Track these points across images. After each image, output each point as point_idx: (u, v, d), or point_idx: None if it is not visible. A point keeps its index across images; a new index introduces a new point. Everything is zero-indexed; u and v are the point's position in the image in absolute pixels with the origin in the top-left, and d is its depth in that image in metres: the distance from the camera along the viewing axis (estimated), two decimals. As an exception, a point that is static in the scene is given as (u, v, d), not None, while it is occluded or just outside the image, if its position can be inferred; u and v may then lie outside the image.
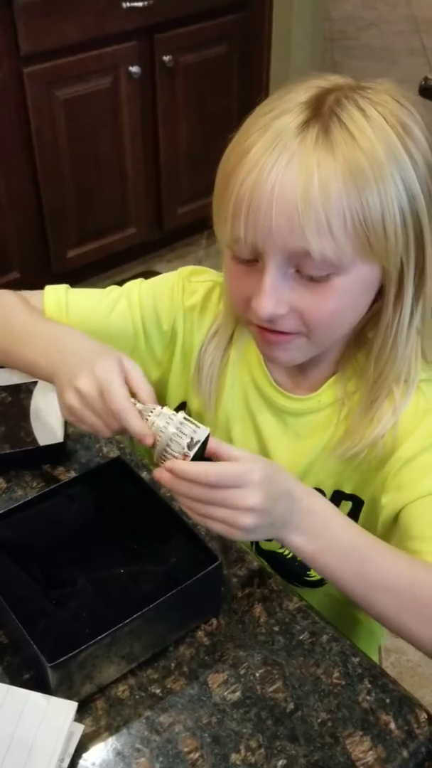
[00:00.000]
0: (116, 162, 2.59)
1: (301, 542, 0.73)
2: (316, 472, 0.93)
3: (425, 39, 4.83)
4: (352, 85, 0.77)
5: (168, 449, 0.71)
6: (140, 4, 2.38)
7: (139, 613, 0.71)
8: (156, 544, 0.79)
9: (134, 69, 2.46)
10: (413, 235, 0.77)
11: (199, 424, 0.72)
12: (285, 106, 0.75)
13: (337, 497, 0.94)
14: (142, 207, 2.75)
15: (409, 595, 0.73)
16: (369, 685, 0.76)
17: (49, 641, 0.70)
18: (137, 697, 0.75)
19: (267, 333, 0.81)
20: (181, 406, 1.01)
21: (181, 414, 0.73)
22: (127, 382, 0.77)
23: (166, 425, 0.71)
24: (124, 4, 2.36)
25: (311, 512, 0.74)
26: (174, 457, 0.70)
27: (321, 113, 0.73)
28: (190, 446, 0.70)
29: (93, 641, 0.69)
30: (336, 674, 0.77)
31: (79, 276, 2.70)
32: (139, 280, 1.00)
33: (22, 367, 0.91)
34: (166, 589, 0.73)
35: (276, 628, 0.80)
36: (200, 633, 0.79)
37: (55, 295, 0.98)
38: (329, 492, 0.94)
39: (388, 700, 0.75)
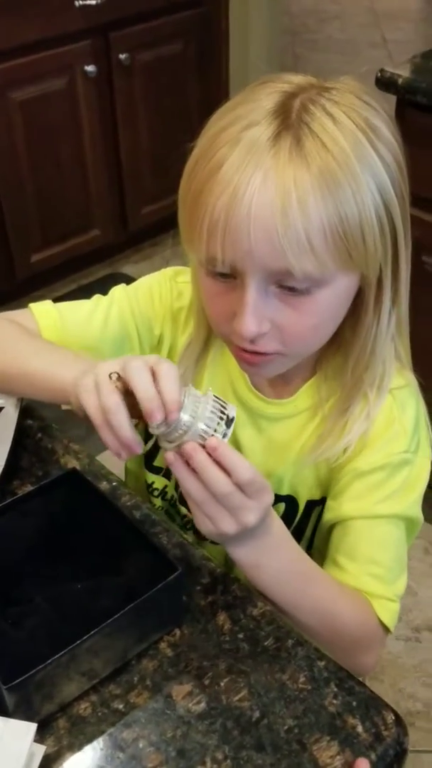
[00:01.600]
0: (77, 163, 2.57)
1: (245, 554, 0.74)
2: (290, 479, 0.92)
3: (386, 31, 4.84)
4: (315, 84, 0.75)
5: (203, 427, 0.67)
6: (93, 2, 2.36)
7: (96, 629, 0.69)
8: (115, 556, 0.78)
9: (90, 68, 2.44)
10: (390, 240, 0.76)
11: (226, 402, 0.69)
12: (252, 116, 0.72)
13: (310, 506, 0.93)
14: (106, 208, 2.73)
15: (328, 623, 0.82)
16: (335, 689, 0.75)
17: (5, 662, 0.68)
18: (100, 714, 0.73)
19: (245, 354, 0.80)
20: None
21: (210, 393, 0.69)
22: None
23: (195, 407, 0.67)
24: (77, 3, 2.33)
25: (268, 533, 0.75)
26: (206, 434, 0.67)
27: (290, 123, 0.71)
28: (228, 423, 0.67)
29: (50, 660, 0.67)
30: (302, 679, 0.75)
31: (44, 280, 2.68)
32: (122, 286, 0.98)
33: (33, 379, 0.84)
34: (126, 602, 0.72)
35: (240, 636, 0.79)
36: (163, 644, 0.78)
37: (46, 313, 0.94)
38: (302, 502, 0.93)
39: (354, 703, 0.74)
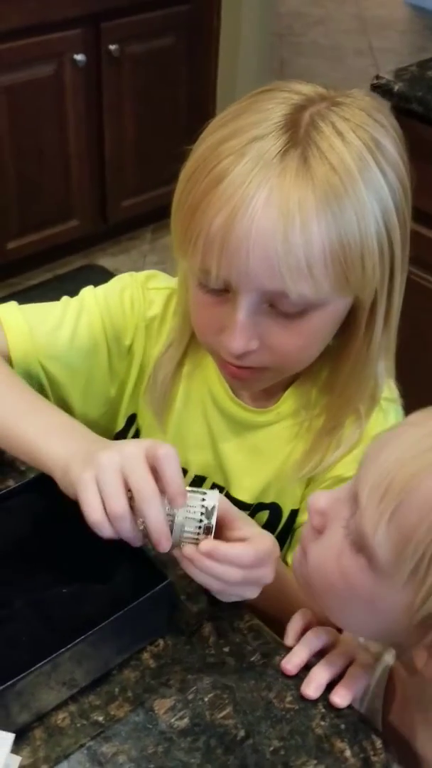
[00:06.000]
0: (59, 152, 2.52)
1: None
2: (275, 489, 0.90)
3: (372, 39, 4.84)
4: (325, 96, 0.72)
5: (184, 531, 0.69)
6: (86, -10, 2.31)
7: (81, 638, 0.66)
8: (100, 561, 0.74)
9: (79, 57, 2.39)
10: (388, 265, 0.74)
11: (203, 490, 0.70)
12: (259, 128, 0.68)
13: (293, 514, 0.91)
14: (86, 199, 2.68)
15: None
16: (323, 710, 0.72)
17: (-17, 670, 0.65)
18: (78, 725, 0.70)
19: (231, 368, 0.78)
20: (131, 418, 0.96)
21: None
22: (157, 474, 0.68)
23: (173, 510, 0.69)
24: (70, -10, 2.29)
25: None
26: (193, 535, 0.69)
27: (298, 139, 0.68)
28: (208, 516, 0.68)
29: (32, 669, 0.64)
30: (289, 698, 0.73)
31: (20, 268, 2.63)
32: (91, 289, 0.93)
33: (17, 443, 0.78)
34: (111, 610, 0.69)
35: (226, 649, 0.76)
36: (146, 655, 0.75)
37: (16, 328, 0.88)
38: (287, 511, 0.91)
39: (343, 726, 0.71)
